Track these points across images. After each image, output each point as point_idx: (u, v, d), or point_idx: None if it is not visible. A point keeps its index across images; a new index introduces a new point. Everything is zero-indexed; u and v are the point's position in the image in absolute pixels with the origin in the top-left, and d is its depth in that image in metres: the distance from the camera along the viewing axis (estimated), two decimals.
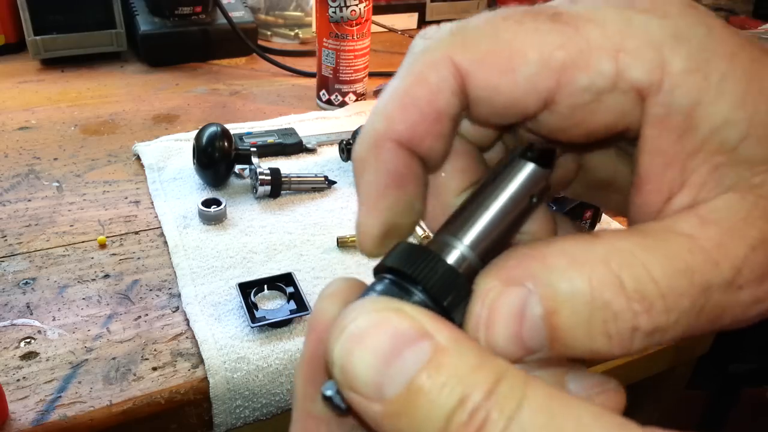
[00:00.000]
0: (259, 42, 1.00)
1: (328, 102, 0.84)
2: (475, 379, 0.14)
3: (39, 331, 0.46)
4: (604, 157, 0.23)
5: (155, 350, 0.46)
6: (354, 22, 0.77)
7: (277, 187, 0.63)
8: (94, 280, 0.52)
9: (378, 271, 0.19)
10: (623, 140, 0.20)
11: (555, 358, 0.16)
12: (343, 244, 0.57)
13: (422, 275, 0.17)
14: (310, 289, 0.52)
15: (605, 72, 0.17)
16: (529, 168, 0.18)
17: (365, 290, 0.18)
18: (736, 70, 0.16)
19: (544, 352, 0.16)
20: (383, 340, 0.15)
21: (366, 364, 0.15)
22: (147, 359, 0.45)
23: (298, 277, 0.52)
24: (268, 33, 1.06)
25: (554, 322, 0.16)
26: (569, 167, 0.23)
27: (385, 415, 0.15)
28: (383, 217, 0.19)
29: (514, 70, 0.17)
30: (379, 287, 0.18)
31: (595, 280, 0.15)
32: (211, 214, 0.58)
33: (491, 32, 0.18)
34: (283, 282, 0.51)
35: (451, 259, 0.18)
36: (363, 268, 0.55)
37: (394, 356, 0.15)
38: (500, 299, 0.16)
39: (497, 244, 0.18)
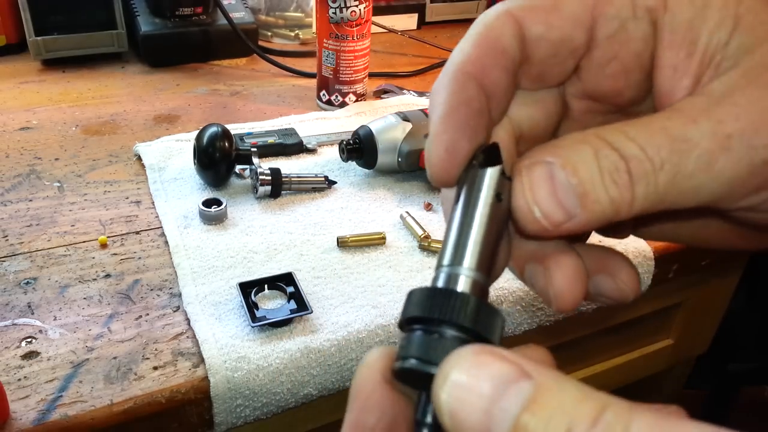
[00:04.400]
0: (260, 43, 1.00)
1: (329, 102, 0.84)
2: (580, 410, 0.15)
3: (40, 331, 0.47)
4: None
5: (156, 350, 0.46)
6: (354, 23, 0.77)
7: (278, 187, 0.63)
8: (95, 279, 0.52)
9: (403, 325, 0.20)
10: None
11: (587, 224, 0.20)
12: (343, 244, 0.57)
13: (447, 316, 0.18)
14: (310, 288, 0.52)
15: (624, 1, 0.22)
16: (481, 173, 0.21)
17: (401, 344, 0.19)
18: None
19: (579, 214, 0.19)
20: (486, 383, 0.16)
21: (472, 408, 0.16)
22: (148, 359, 0.45)
23: (299, 277, 0.52)
24: (269, 34, 1.06)
25: (576, 177, 0.19)
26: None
27: None
28: (449, 135, 0.21)
29: (558, 8, 0.22)
30: (415, 340, 0.19)
31: (593, 146, 0.19)
32: (212, 214, 0.59)
33: None
34: (283, 282, 0.52)
35: (464, 287, 0.19)
36: (363, 268, 0.55)
37: (498, 398, 0.15)
38: (533, 170, 0.20)
39: (491, 251, 0.20)
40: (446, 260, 0.20)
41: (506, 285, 0.54)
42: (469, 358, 0.16)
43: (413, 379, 0.19)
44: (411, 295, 0.20)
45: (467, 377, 0.16)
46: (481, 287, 0.20)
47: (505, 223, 0.21)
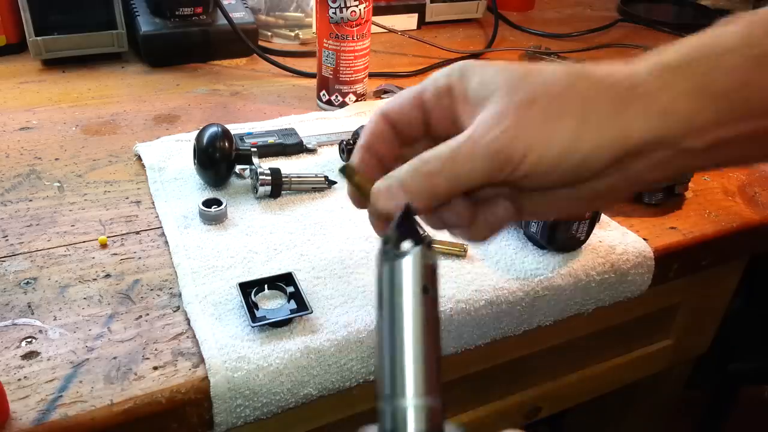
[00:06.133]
0: (260, 43, 1.00)
1: (329, 102, 0.84)
2: None
3: (40, 331, 0.47)
4: None
5: (156, 350, 0.46)
6: (354, 23, 0.77)
7: (278, 187, 0.63)
8: (95, 279, 0.52)
9: None
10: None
11: None
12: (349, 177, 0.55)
13: None
14: (310, 288, 0.52)
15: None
16: (398, 265, 0.17)
17: None
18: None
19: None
20: None
21: None
22: (148, 359, 0.45)
23: (299, 277, 0.52)
24: (269, 34, 1.06)
25: None
26: None
27: None
28: (363, 150, 0.41)
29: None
30: None
31: None
32: (212, 214, 0.59)
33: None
34: (283, 282, 0.52)
35: (414, 425, 0.17)
36: (363, 269, 0.55)
37: None
38: None
39: (434, 361, 0.18)
40: (387, 389, 0.17)
41: (506, 285, 0.54)
42: None
43: None
44: None
45: None
46: (433, 413, 0.17)
47: (438, 310, 0.18)
